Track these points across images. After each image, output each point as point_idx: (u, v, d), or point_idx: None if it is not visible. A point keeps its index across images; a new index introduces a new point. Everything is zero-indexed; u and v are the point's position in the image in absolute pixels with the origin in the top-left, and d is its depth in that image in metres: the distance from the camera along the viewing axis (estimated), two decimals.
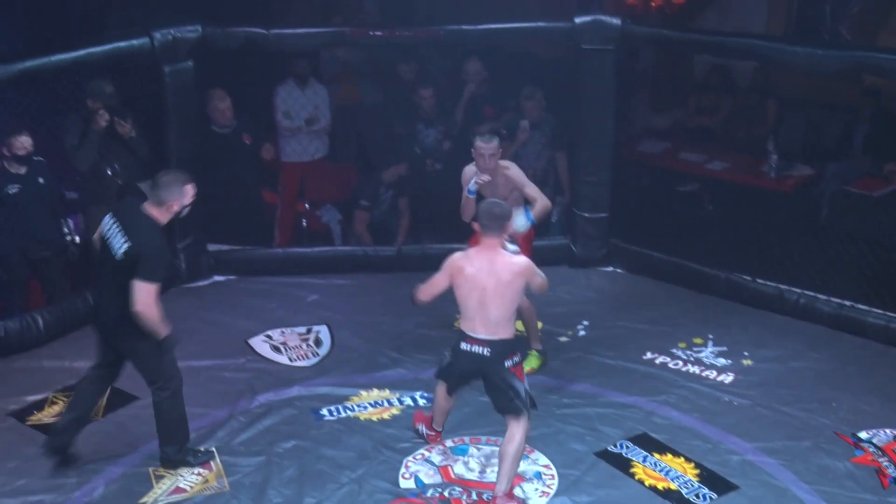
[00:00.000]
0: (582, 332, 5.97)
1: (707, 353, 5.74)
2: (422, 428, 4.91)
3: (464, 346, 4.48)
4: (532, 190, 5.27)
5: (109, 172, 5.95)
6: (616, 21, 6.22)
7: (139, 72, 6.00)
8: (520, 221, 5.13)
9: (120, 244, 4.29)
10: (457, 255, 4.49)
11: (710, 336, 5.89)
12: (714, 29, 7.34)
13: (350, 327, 5.96)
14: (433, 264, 5.67)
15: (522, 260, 4.48)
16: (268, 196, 6.99)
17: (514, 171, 5.28)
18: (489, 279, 4.39)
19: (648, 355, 5.72)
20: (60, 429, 4.68)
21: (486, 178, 5.17)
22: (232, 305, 6.25)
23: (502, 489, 4.40)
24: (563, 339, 5.89)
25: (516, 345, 4.50)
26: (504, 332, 4.43)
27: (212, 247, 6.56)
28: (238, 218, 6.53)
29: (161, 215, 4.35)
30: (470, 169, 5.36)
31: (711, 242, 6.48)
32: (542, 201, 5.26)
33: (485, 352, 4.42)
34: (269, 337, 5.83)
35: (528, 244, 5.40)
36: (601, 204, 6.56)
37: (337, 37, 6.43)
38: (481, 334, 4.43)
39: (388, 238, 6.80)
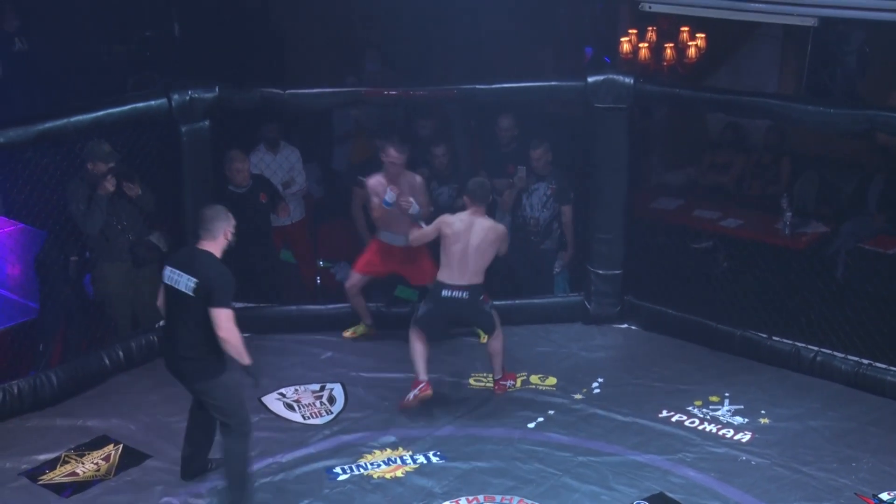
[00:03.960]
0: (597, 390, 5.96)
1: (723, 412, 5.72)
2: (413, 394, 5.51)
3: (445, 293, 5.49)
4: (424, 199, 6.07)
5: (119, 228, 6.02)
6: (629, 80, 6.29)
7: (157, 131, 6.09)
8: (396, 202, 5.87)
9: (186, 283, 4.56)
10: (447, 215, 5.56)
11: (727, 394, 5.87)
12: (725, 87, 7.42)
13: (364, 385, 5.97)
14: (443, 318, 5.84)
15: (501, 226, 5.65)
16: (283, 254, 7.04)
17: (417, 179, 6.05)
18: (474, 237, 5.47)
19: (664, 413, 5.70)
20: (187, 460, 4.97)
21: (396, 190, 5.86)
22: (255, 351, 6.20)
23: (500, 375, 5.77)
24: (578, 396, 5.90)
25: (484, 286, 5.59)
26: (478, 279, 5.54)
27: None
28: (253, 276, 6.51)
29: (216, 247, 4.64)
30: (377, 180, 5.98)
31: (726, 299, 6.49)
32: (425, 209, 6.02)
33: (464, 295, 5.50)
34: (283, 395, 5.84)
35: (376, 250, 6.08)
36: (615, 261, 6.59)
37: (352, 96, 6.55)
38: (460, 281, 5.48)
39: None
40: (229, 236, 4.65)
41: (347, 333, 6.42)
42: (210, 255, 4.63)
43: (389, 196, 5.82)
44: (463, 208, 6.52)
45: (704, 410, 5.73)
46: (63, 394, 5.78)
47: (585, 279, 6.67)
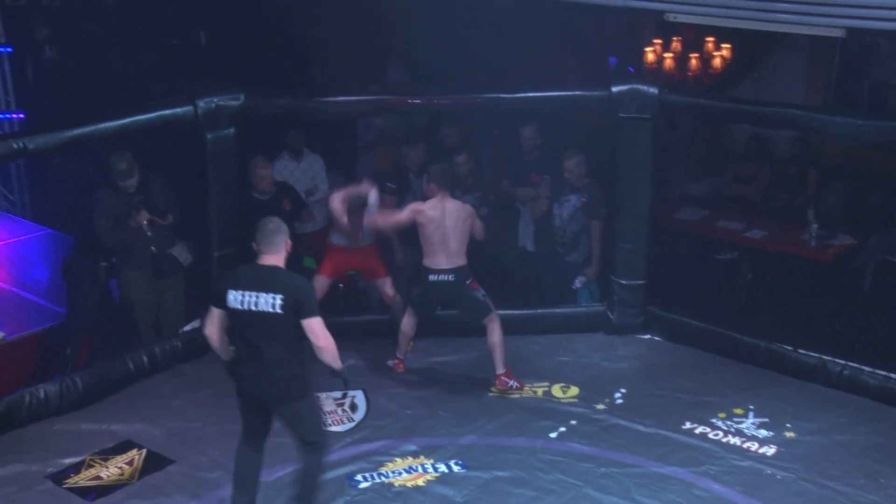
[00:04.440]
0: (619, 400, 5.93)
1: (748, 424, 5.67)
2: (391, 363, 5.98)
3: (432, 277, 5.75)
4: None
5: (142, 241, 6.06)
6: (653, 90, 6.27)
7: (182, 138, 6.11)
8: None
9: (271, 301, 4.36)
10: (418, 203, 5.78)
11: (751, 407, 5.82)
12: (751, 98, 7.35)
13: (386, 393, 5.96)
14: (470, 331, 6.15)
15: (468, 205, 5.91)
16: (307, 261, 6.83)
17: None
18: (448, 219, 5.71)
19: (687, 425, 5.66)
20: None
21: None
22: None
23: (502, 370, 5.81)
24: (601, 406, 5.87)
25: (469, 269, 5.79)
26: (461, 261, 5.76)
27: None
28: None
29: (280, 261, 4.49)
30: (341, 196, 6.04)
31: (751, 311, 6.47)
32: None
33: (450, 278, 5.74)
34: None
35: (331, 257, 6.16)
36: (638, 271, 6.56)
37: (376, 104, 6.58)
38: (444, 265, 5.73)
39: None
40: (290, 248, 4.51)
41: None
42: (281, 268, 4.48)
43: (372, 198, 5.95)
44: (488, 217, 6.66)
45: (728, 423, 5.68)
46: (88, 398, 5.82)
47: (608, 289, 6.65)
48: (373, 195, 6.01)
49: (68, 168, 5.95)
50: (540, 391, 5.99)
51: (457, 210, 5.84)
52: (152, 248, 6.12)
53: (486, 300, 5.86)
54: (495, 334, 5.84)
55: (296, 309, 4.34)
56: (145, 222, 5.98)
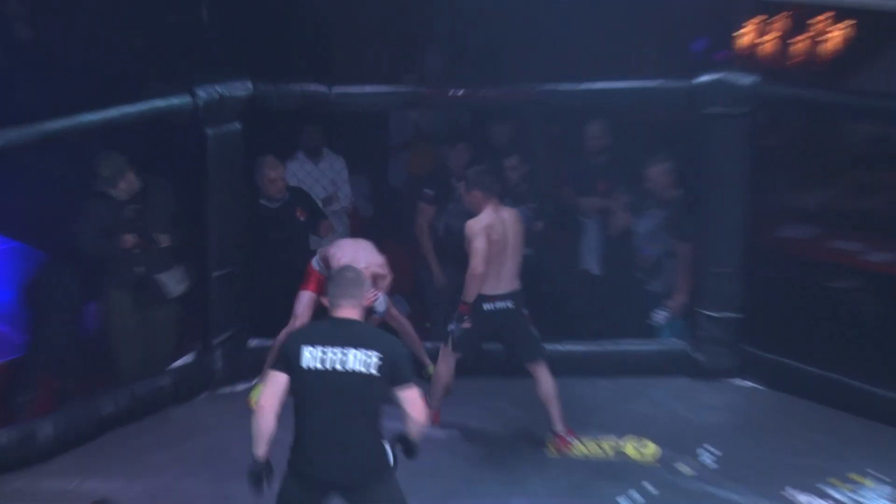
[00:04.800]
0: (706, 461, 5.91)
1: (869, 494, 5.59)
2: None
3: (487, 306, 5.72)
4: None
5: (129, 259, 6.14)
6: (747, 79, 6.23)
7: (178, 134, 6.17)
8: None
9: (364, 359, 4.26)
10: (483, 218, 5.70)
11: (873, 472, 5.73)
12: (877, 90, 7.14)
13: (420, 447, 5.88)
14: (520, 369, 6.09)
15: (516, 210, 5.93)
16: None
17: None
18: (510, 234, 5.72)
19: (790, 492, 5.60)
20: None
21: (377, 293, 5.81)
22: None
23: (561, 427, 5.80)
24: (683, 467, 5.84)
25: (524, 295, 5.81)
26: (517, 283, 5.78)
27: (254, 342, 6.58)
28: (288, 307, 6.33)
29: (360, 315, 4.43)
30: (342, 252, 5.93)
31: (874, 353, 6.41)
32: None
33: (508, 304, 5.74)
34: None
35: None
36: (731, 301, 6.52)
37: (411, 97, 6.65)
38: (502, 289, 5.72)
39: None
40: (371, 302, 4.59)
41: (252, 404, 6.00)
42: (367, 324, 4.53)
43: (381, 304, 5.78)
44: (543, 233, 6.79)
45: (843, 491, 5.60)
46: (55, 449, 5.78)
47: (694, 323, 6.62)
48: (382, 300, 5.80)
49: (43, 169, 6.08)
50: (607, 447, 5.97)
51: (514, 221, 5.86)
52: (139, 268, 6.17)
53: (538, 336, 5.87)
54: (548, 381, 5.83)
55: (392, 373, 4.27)
56: (131, 245, 6.05)
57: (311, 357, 4.27)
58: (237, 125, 6.19)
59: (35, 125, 5.57)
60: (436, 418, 5.92)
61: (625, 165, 6.79)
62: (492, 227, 5.73)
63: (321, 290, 5.92)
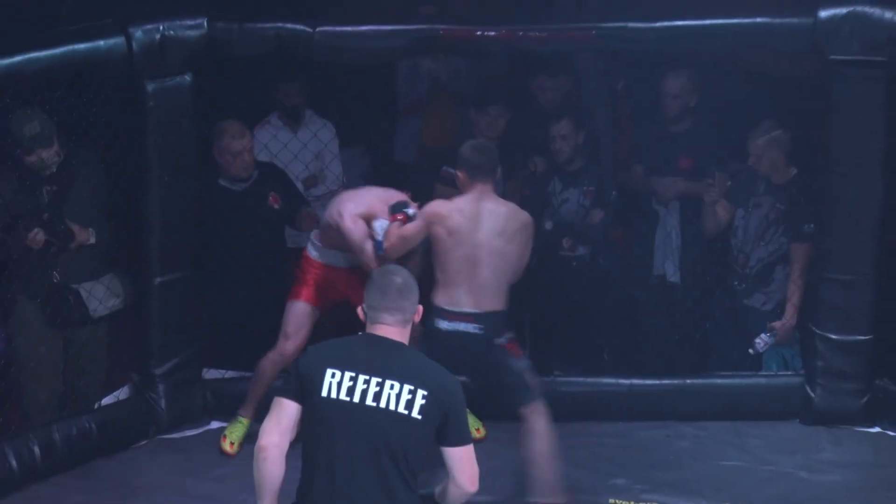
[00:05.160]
0: None
1: None
2: None
3: (445, 325, 5.53)
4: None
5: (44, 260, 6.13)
6: (892, 14, 6.13)
7: (107, 90, 6.11)
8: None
9: (404, 396, 4.18)
10: (439, 202, 5.65)
11: None
12: None
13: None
14: (567, 409, 6.24)
15: (525, 213, 5.70)
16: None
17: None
18: (485, 233, 5.54)
19: None
20: None
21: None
22: (237, 468, 6.05)
23: (550, 498, 5.56)
24: None
25: (508, 318, 5.66)
26: (496, 303, 5.57)
27: (210, 373, 6.59)
28: (255, 327, 6.58)
29: (407, 335, 4.34)
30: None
31: None
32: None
33: (474, 329, 5.53)
34: None
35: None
36: (860, 320, 6.45)
37: (425, 39, 6.44)
38: (468, 306, 5.53)
39: None
40: (421, 317, 4.41)
41: (227, 446, 6.32)
42: (414, 350, 4.42)
43: (381, 226, 5.84)
44: (603, 225, 6.81)
45: None
46: None
47: (808, 348, 6.56)
48: (381, 222, 5.88)
49: None
50: None
51: (503, 217, 5.63)
52: (52, 274, 6.17)
53: (529, 375, 5.69)
54: (543, 438, 5.59)
55: (441, 421, 4.19)
56: (39, 245, 6.01)
57: (336, 384, 4.17)
58: (187, 78, 6.18)
59: None
60: None
61: (718, 135, 6.76)
62: (445, 218, 5.56)
63: (325, 293, 6.20)
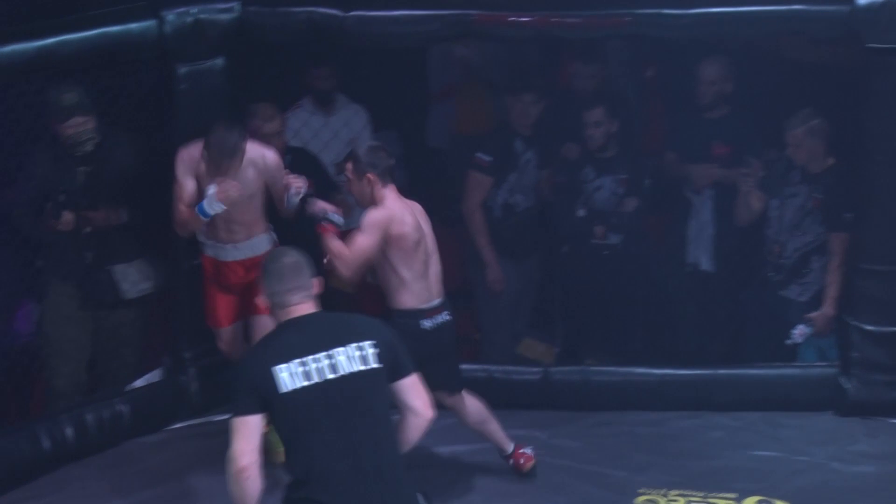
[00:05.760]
0: None
1: None
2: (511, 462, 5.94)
3: (427, 324, 5.66)
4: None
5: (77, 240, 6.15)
6: None
7: (139, 73, 6.17)
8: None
9: (359, 353, 4.33)
10: (382, 211, 5.62)
11: None
12: None
13: (459, 493, 5.96)
14: (599, 398, 6.39)
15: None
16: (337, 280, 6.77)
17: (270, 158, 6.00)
18: (425, 229, 5.71)
19: None
20: None
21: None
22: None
23: (509, 448, 5.91)
24: None
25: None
26: (442, 288, 5.81)
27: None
28: None
29: (315, 307, 4.48)
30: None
31: None
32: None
33: (447, 317, 5.75)
34: None
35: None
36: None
37: (458, 24, 6.41)
38: (437, 299, 5.72)
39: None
40: (321, 289, 4.50)
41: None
42: (332, 313, 4.56)
43: (210, 194, 5.74)
44: (637, 213, 6.79)
45: None
46: None
47: (843, 339, 6.52)
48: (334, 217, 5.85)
49: None
50: None
51: (423, 213, 5.80)
52: (87, 255, 6.18)
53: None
54: (475, 401, 5.88)
55: (392, 359, 4.38)
56: (69, 228, 6.03)
57: (291, 377, 4.26)
58: (219, 62, 6.20)
59: None
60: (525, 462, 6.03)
61: (754, 123, 6.73)
62: (401, 220, 5.61)
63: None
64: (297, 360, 4.26)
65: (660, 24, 6.29)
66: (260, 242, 5.99)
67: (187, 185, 5.82)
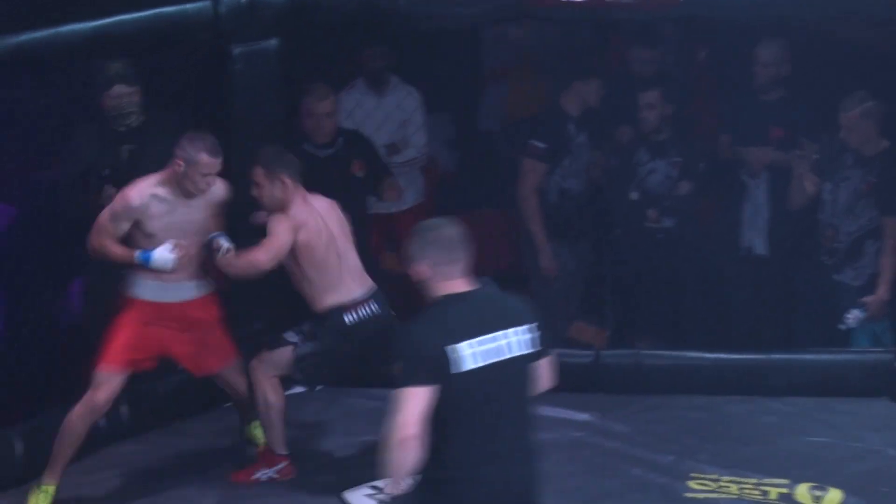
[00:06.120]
0: None
1: None
2: (266, 474, 5.87)
3: (350, 318, 5.71)
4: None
5: None
6: None
7: (193, 53, 6.23)
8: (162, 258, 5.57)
9: (528, 339, 4.26)
10: (288, 221, 5.62)
11: None
12: None
13: None
14: (651, 382, 6.40)
15: (333, 201, 5.88)
16: (388, 260, 7.04)
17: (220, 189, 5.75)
18: (333, 225, 5.75)
19: None
20: None
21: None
22: (321, 433, 6.23)
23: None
24: None
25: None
26: (369, 279, 5.83)
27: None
28: None
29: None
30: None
31: None
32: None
33: (375, 308, 5.75)
34: (377, 488, 5.70)
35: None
36: None
37: (508, 5, 6.48)
38: (358, 291, 5.73)
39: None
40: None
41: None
42: (494, 290, 4.46)
43: (167, 252, 5.48)
44: (690, 197, 6.78)
45: None
46: (26, 472, 5.76)
47: None
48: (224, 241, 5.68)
49: (12, 95, 5.95)
50: (774, 492, 5.83)
51: (332, 209, 5.82)
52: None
53: None
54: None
55: (540, 346, 4.36)
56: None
57: (472, 356, 4.17)
58: (274, 42, 6.24)
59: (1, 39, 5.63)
60: (289, 469, 5.86)
61: (809, 105, 6.67)
62: (304, 224, 5.63)
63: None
64: (476, 339, 4.18)
65: (713, 5, 6.36)
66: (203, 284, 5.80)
67: (121, 227, 5.46)
